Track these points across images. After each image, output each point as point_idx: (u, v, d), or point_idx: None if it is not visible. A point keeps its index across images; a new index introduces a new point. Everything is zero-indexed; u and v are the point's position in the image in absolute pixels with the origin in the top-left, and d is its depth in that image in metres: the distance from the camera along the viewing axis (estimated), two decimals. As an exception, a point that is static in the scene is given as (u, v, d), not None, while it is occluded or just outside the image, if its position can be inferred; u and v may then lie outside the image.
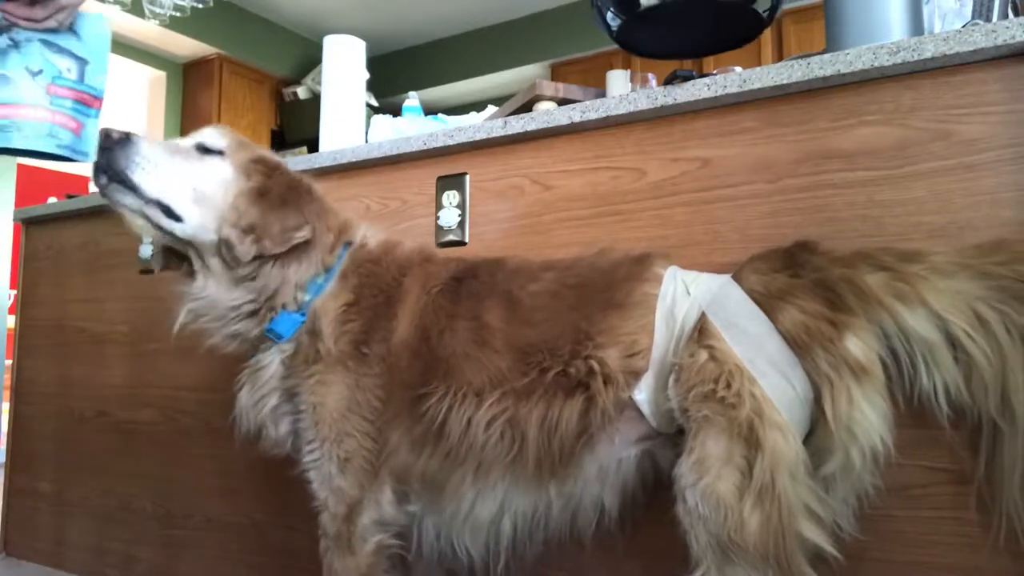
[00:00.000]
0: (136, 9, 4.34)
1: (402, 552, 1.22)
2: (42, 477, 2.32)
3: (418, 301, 1.20)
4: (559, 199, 1.49)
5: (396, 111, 2.24)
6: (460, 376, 1.12)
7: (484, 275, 1.21)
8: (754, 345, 1.01)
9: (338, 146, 1.87)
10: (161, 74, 5.42)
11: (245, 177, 1.21)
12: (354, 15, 5.69)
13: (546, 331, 1.11)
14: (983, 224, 1.09)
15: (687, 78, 1.41)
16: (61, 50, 1.14)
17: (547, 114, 1.49)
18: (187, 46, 5.28)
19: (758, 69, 1.27)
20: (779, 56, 4.53)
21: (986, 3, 1.41)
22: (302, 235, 1.19)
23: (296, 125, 5.70)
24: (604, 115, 1.41)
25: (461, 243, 1.58)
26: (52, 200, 2.61)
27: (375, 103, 5.28)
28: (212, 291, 1.21)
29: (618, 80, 2.17)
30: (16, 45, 1.11)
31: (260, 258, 1.18)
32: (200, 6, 4.28)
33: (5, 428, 2.65)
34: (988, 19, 1.40)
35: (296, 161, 1.79)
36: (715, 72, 1.50)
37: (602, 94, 1.69)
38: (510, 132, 1.52)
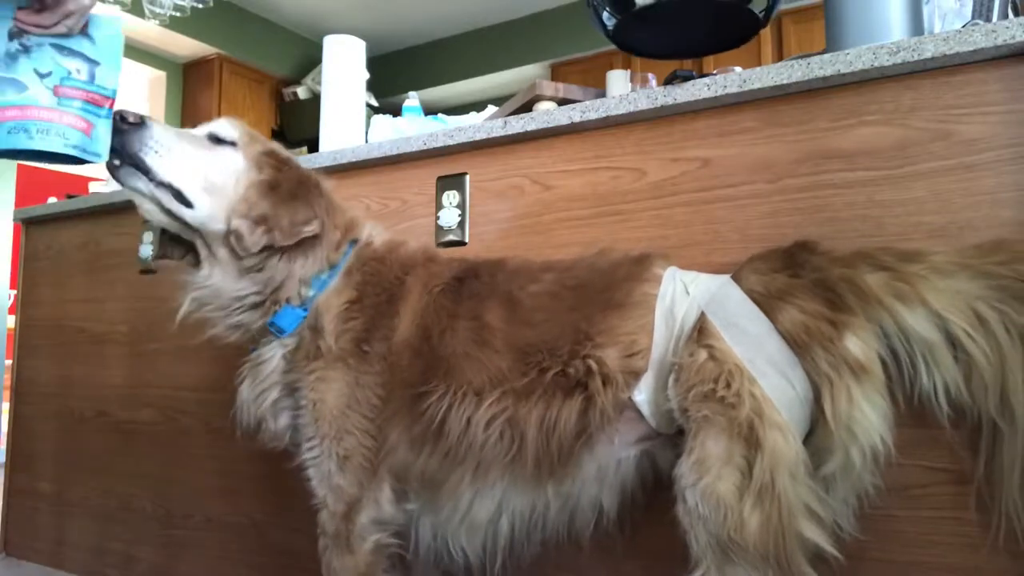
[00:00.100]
0: (136, 9, 4.34)
1: (401, 551, 1.22)
2: (42, 477, 2.32)
3: (420, 300, 1.20)
4: (559, 199, 1.49)
5: (396, 111, 2.24)
6: (460, 375, 1.12)
7: (485, 275, 1.21)
8: (754, 345, 1.01)
9: (338, 146, 1.87)
10: (161, 74, 5.43)
11: (257, 169, 1.21)
12: (354, 15, 5.69)
13: (546, 331, 1.11)
14: (983, 224, 1.09)
15: (687, 78, 1.41)
16: (72, 53, 1.14)
17: (547, 114, 1.49)
18: (187, 46, 5.28)
19: (758, 69, 1.27)
20: (779, 56, 4.53)
21: (986, 3, 1.41)
22: (311, 229, 1.20)
23: (296, 125, 5.71)
24: (604, 115, 1.41)
25: (461, 243, 1.59)
26: (52, 200, 2.61)
27: (375, 103, 5.28)
28: (217, 280, 1.21)
29: (618, 80, 2.17)
30: (26, 50, 1.12)
31: (268, 249, 1.18)
32: (200, 6, 4.28)
33: (5, 428, 2.65)
34: (988, 19, 1.40)
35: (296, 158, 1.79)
36: (715, 72, 1.50)
37: (602, 94, 1.69)
38: (510, 132, 1.52)
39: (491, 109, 2.04)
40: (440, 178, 1.64)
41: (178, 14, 4.25)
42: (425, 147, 1.63)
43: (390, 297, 1.21)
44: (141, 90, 5.47)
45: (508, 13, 5.71)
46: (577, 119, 1.44)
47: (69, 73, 1.13)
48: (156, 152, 1.15)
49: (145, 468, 2.07)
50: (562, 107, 1.49)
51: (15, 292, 2.83)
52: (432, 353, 1.15)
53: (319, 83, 4.66)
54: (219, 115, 5.43)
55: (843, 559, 0.99)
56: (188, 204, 1.17)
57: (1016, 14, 1.45)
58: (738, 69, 1.39)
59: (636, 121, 1.40)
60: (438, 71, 6.13)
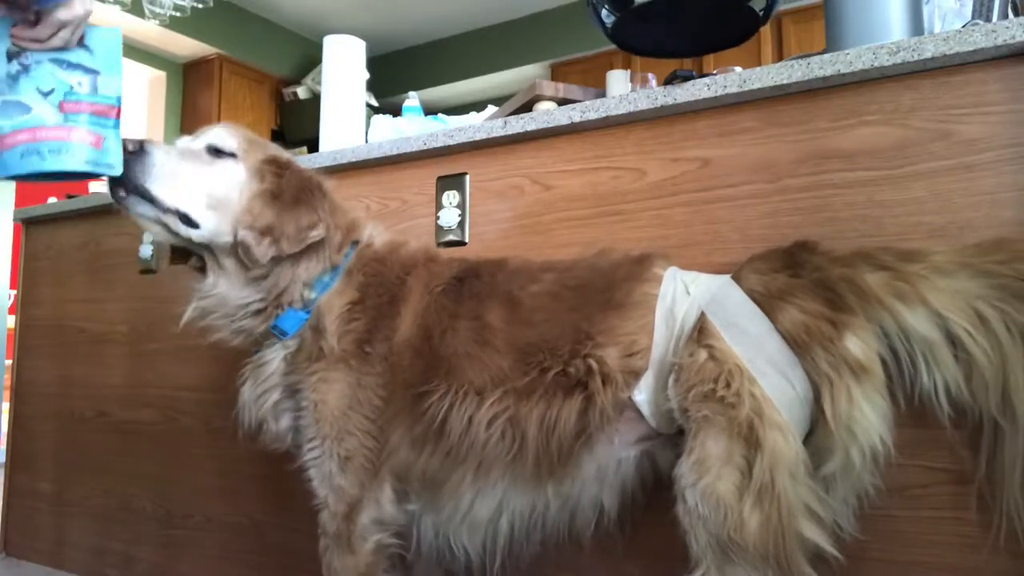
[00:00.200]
0: (136, 9, 4.35)
1: (401, 551, 1.23)
2: (42, 477, 2.32)
3: (421, 300, 1.20)
4: (559, 199, 1.49)
5: (396, 111, 2.24)
6: (461, 375, 1.12)
7: (486, 275, 1.21)
8: (754, 345, 1.01)
9: (338, 146, 1.87)
10: (161, 74, 5.43)
11: (258, 179, 1.22)
12: (354, 15, 5.69)
13: (546, 331, 1.12)
14: (983, 224, 1.09)
15: (687, 78, 1.41)
16: (72, 66, 1.13)
17: (547, 114, 1.49)
18: (187, 46, 5.28)
19: (758, 69, 1.27)
20: (779, 56, 4.52)
21: (986, 3, 1.41)
22: (316, 234, 1.20)
23: (296, 125, 5.71)
24: (604, 115, 1.41)
25: (461, 243, 1.58)
26: (52, 200, 2.61)
27: (375, 103, 5.29)
28: (223, 289, 1.21)
29: (618, 80, 2.17)
30: (26, 69, 1.10)
31: (277, 259, 1.18)
32: (200, 6, 4.28)
33: (5, 428, 2.65)
34: (988, 19, 1.40)
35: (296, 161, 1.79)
36: (715, 72, 1.50)
37: (602, 94, 1.69)
38: (510, 132, 1.52)
39: (491, 109, 2.04)
40: (440, 178, 1.64)
41: (178, 14, 4.25)
42: (425, 147, 1.63)
43: (391, 298, 1.21)
44: (141, 90, 5.47)
45: (508, 13, 5.71)
46: (577, 119, 1.44)
47: (71, 87, 1.12)
48: (160, 180, 1.15)
49: (145, 468, 2.07)
50: (562, 107, 1.49)
51: (15, 292, 2.83)
52: (433, 353, 1.15)
53: (319, 83, 4.66)
54: (219, 115, 5.46)
55: (843, 559, 0.99)
56: (195, 225, 1.17)
57: (1016, 14, 1.45)
58: (738, 69, 1.39)
59: (636, 121, 1.40)
60: (438, 71, 6.13)
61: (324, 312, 1.21)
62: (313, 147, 3.92)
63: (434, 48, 6.22)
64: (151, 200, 1.15)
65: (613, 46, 1.65)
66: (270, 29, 5.83)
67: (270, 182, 1.22)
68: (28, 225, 2.49)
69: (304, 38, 6.03)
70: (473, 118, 1.97)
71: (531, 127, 1.50)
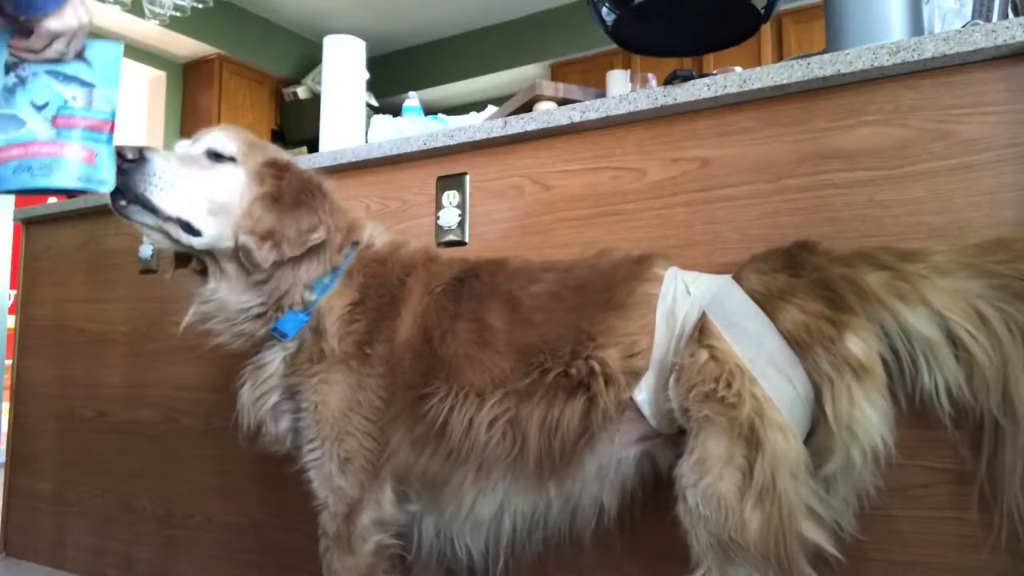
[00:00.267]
0: (136, 9, 4.34)
1: (401, 552, 1.22)
2: (42, 477, 2.32)
3: (421, 301, 1.20)
4: (559, 199, 1.49)
5: (396, 111, 2.24)
6: (462, 376, 1.12)
7: (485, 276, 1.21)
8: (755, 345, 1.01)
9: (338, 146, 1.87)
10: (161, 74, 5.42)
11: (258, 182, 1.21)
12: (354, 15, 5.69)
13: (547, 332, 1.11)
14: (983, 224, 1.09)
15: (687, 78, 1.41)
16: (68, 79, 1.12)
17: (547, 114, 1.49)
18: (187, 46, 5.28)
19: (758, 69, 1.27)
20: (779, 56, 4.53)
21: (986, 3, 1.41)
22: (317, 236, 1.20)
23: (296, 125, 5.71)
24: (604, 115, 1.41)
25: (461, 243, 1.58)
26: (52, 200, 2.61)
27: (375, 103, 5.29)
28: (224, 294, 1.21)
29: (618, 80, 2.17)
30: (22, 82, 1.10)
31: (278, 263, 1.18)
32: (200, 6, 4.28)
33: (5, 428, 2.65)
34: (988, 19, 1.40)
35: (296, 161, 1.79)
36: (715, 72, 1.50)
37: (602, 94, 1.69)
38: (510, 132, 1.52)
39: (491, 109, 2.04)
40: (440, 178, 1.64)
41: (178, 14, 4.25)
42: (425, 147, 1.63)
43: (391, 299, 1.21)
44: (141, 90, 5.47)
45: (508, 13, 5.71)
46: (577, 119, 1.44)
47: (66, 101, 1.11)
48: (161, 188, 1.15)
49: (145, 468, 2.07)
50: (562, 107, 1.49)
51: (15, 292, 2.83)
52: (434, 354, 1.15)
53: (319, 83, 4.66)
54: (219, 115, 5.46)
55: (843, 559, 0.99)
56: (196, 233, 1.17)
57: (1016, 14, 1.45)
58: (738, 69, 1.39)
59: (636, 121, 1.40)
60: (438, 71, 6.13)
61: (324, 313, 1.20)
62: (313, 147, 3.93)
63: (434, 48, 6.22)
64: (152, 209, 1.15)
65: (613, 46, 1.65)
66: (270, 29, 5.83)
67: (270, 185, 1.21)
68: (28, 225, 2.49)
69: (304, 38, 6.03)
70: (473, 118, 1.97)
71: (531, 127, 1.50)
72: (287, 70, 5.91)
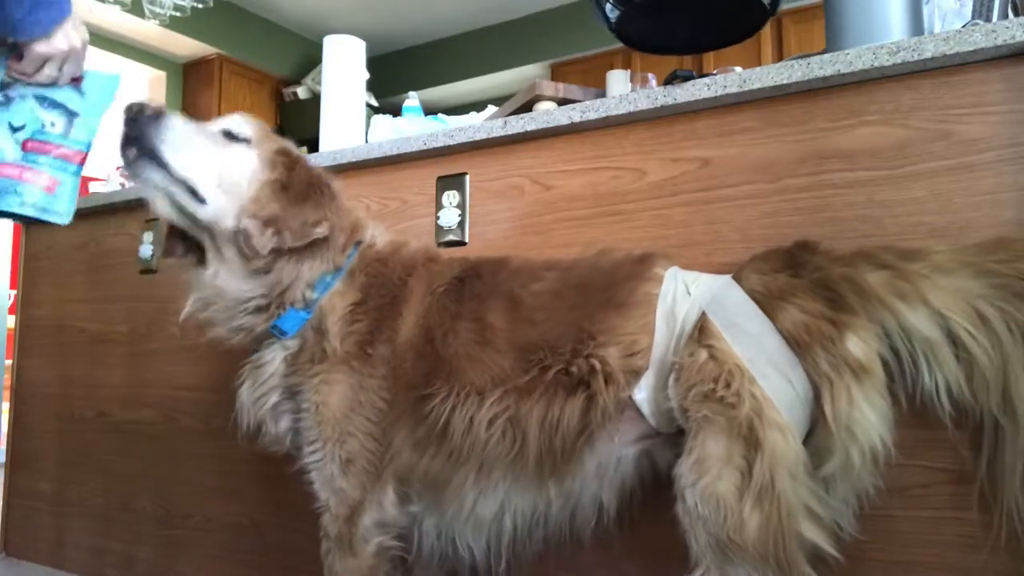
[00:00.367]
0: (136, 9, 4.34)
1: (403, 554, 1.22)
2: (42, 477, 2.32)
3: (423, 301, 1.20)
4: (559, 199, 1.49)
5: (396, 111, 2.24)
6: (463, 376, 1.12)
7: (486, 275, 1.21)
8: (754, 345, 1.01)
9: (338, 146, 1.87)
10: (161, 74, 5.42)
11: (269, 168, 1.21)
12: (354, 15, 5.69)
13: (548, 330, 1.11)
14: (983, 224, 1.09)
15: (687, 78, 1.41)
16: (54, 104, 1.11)
17: (547, 114, 1.49)
18: (187, 46, 5.28)
19: (758, 69, 1.27)
20: (779, 56, 4.53)
21: (986, 3, 1.41)
22: (320, 231, 1.19)
23: (296, 125, 5.70)
24: (604, 115, 1.41)
25: (461, 243, 1.58)
26: (52, 200, 2.61)
27: (375, 103, 5.29)
28: (223, 281, 1.20)
29: (618, 80, 2.17)
30: (8, 102, 1.08)
31: (277, 251, 1.17)
32: (200, 6, 4.28)
33: (5, 428, 2.65)
34: (988, 19, 1.40)
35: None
36: (715, 72, 1.50)
37: (602, 94, 1.69)
38: (510, 132, 1.52)
39: (491, 109, 2.04)
40: (440, 178, 1.64)
41: (178, 14, 4.25)
42: (425, 147, 1.63)
43: (393, 299, 1.21)
44: (141, 90, 5.47)
45: (508, 13, 5.71)
46: (577, 119, 1.44)
47: (43, 126, 1.10)
48: (173, 146, 1.14)
49: (145, 468, 2.07)
50: (562, 107, 1.49)
51: (15, 292, 2.83)
52: (435, 354, 1.15)
53: (319, 83, 4.66)
54: (219, 115, 5.46)
55: (843, 559, 0.99)
56: (201, 200, 1.16)
57: (1016, 14, 1.45)
58: (738, 69, 1.39)
59: (636, 121, 1.40)
60: (438, 71, 6.13)
61: (327, 313, 1.20)
62: (313, 147, 3.93)
63: (434, 48, 6.22)
64: (162, 165, 1.13)
65: (613, 46, 1.65)
66: (270, 29, 5.83)
67: (280, 173, 1.21)
68: (28, 225, 2.49)
69: (304, 38, 6.03)
70: (473, 118, 1.97)
71: (531, 127, 1.50)
72: (287, 70, 5.91)
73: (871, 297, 1.00)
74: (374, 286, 1.22)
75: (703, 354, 1.02)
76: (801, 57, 1.28)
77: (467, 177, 1.60)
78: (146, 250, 2.10)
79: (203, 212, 1.16)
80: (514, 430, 1.09)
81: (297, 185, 1.21)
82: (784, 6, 1.47)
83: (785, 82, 1.23)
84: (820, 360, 0.98)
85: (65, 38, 1.06)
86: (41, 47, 1.05)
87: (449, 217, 1.61)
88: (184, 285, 1.28)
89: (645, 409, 1.08)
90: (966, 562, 1.07)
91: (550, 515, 1.16)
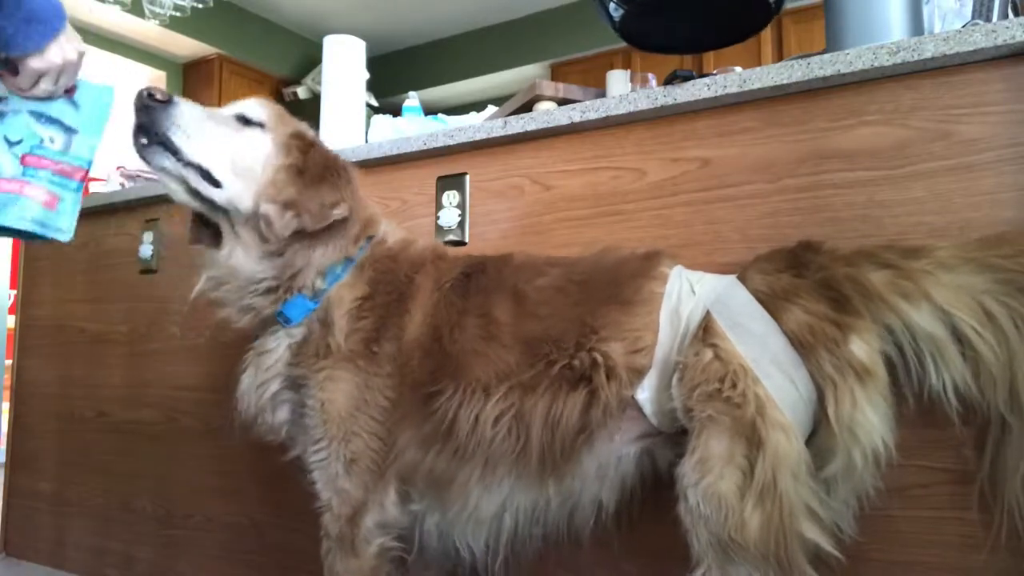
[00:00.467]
0: (136, 9, 4.34)
1: (403, 554, 1.22)
2: (42, 477, 2.32)
3: (430, 298, 1.20)
4: (559, 199, 1.49)
5: (396, 111, 2.24)
6: (469, 372, 1.12)
7: (492, 270, 1.21)
8: (758, 345, 1.01)
9: (338, 146, 1.87)
10: (161, 74, 5.42)
11: (284, 152, 1.20)
12: (354, 15, 5.69)
13: (552, 325, 1.11)
14: (983, 224, 1.09)
15: (687, 78, 1.41)
16: (51, 120, 1.10)
17: (547, 114, 1.49)
18: (187, 46, 5.28)
19: (758, 69, 1.27)
20: (779, 56, 4.53)
21: (986, 3, 1.41)
22: (340, 212, 1.19)
23: (296, 125, 5.70)
24: (604, 115, 1.41)
25: (461, 243, 1.58)
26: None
27: (375, 103, 5.28)
28: (237, 260, 1.19)
29: (618, 80, 2.17)
30: (1, 116, 1.08)
31: (298, 234, 1.17)
32: (200, 6, 4.28)
33: (5, 428, 2.65)
34: (988, 19, 1.40)
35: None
36: (715, 72, 1.50)
37: (602, 94, 1.69)
38: (510, 132, 1.52)
39: (491, 109, 2.04)
40: (440, 178, 1.64)
41: (178, 14, 4.25)
42: (425, 147, 1.63)
43: (400, 295, 1.21)
44: (141, 90, 5.46)
45: (508, 13, 5.71)
46: (577, 119, 1.44)
47: (41, 141, 1.09)
48: (185, 132, 1.13)
49: (145, 468, 2.07)
50: (562, 107, 1.49)
51: (15, 292, 2.83)
52: (442, 352, 1.15)
53: (319, 83, 4.66)
54: (219, 115, 5.45)
55: (843, 559, 0.99)
56: (216, 184, 1.15)
57: (1016, 14, 1.45)
58: (738, 69, 1.39)
59: (636, 121, 1.40)
60: (438, 71, 6.13)
61: (333, 303, 1.20)
62: (313, 147, 3.90)
63: (434, 48, 6.22)
64: (173, 151, 1.13)
65: (613, 46, 1.65)
66: (270, 29, 5.83)
67: (295, 157, 1.20)
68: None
69: (304, 38, 6.03)
70: (473, 118, 1.97)
71: (531, 127, 1.50)
72: (287, 70, 5.91)
73: (874, 297, 0.99)
74: (382, 282, 1.22)
75: (708, 353, 1.02)
76: (801, 57, 1.28)
77: (467, 177, 1.60)
78: (146, 250, 2.10)
79: (219, 196, 1.16)
80: (518, 426, 1.09)
81: (313, 168, 1.20)
82: (785, 6, 1.47)
83: (785, 82, 1.23)
84: (824, 362, 0.98)
85: (59, 51, 1.05)
86: (35, 62, 1.04)
87: (449, 217, 1.61)
88: (185, 285, 1.27)
89: (647, 409, 1.08)
90: (966, 562, 1.07)
91: (550, 513, 1.16)
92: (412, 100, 2.23)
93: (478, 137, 1.56)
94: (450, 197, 1.61)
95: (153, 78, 5.42)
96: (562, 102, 1.60)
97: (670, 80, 1.48)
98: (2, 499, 2.44)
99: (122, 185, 2.51)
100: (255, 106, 1.23)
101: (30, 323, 2.44)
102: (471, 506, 1.15)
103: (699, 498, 0.97)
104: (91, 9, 4.49)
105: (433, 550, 1.22)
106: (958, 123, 1.13)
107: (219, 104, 5.35)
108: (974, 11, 1.43)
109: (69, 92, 1.13)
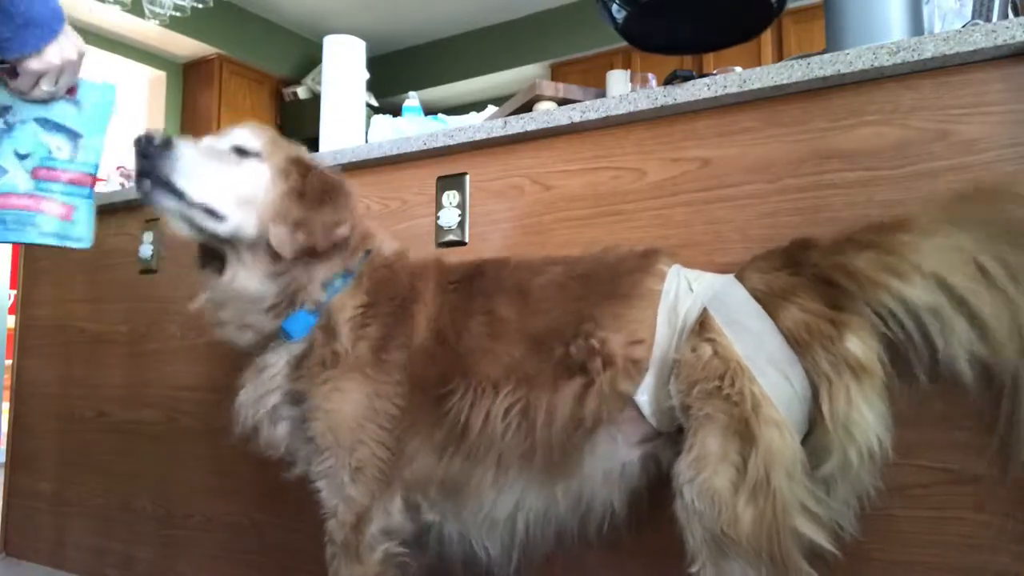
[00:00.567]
0: (136, 9, 4.34)
1: (407, 560, 1.22)
2: (42, 477, 2.32)
3: (434, 302, 1.21)
4: (559, 199, 1.49)
5: (396, 111, 2.24)
6: (479, 370, 1.12)
7: (491, 272, 1.23)
8: (755, 343, 1.01)
9: (338, 146, 1.87)
10: (161, 74, 5.43)
11: (283, 178, 1.22)
12: (354, 15, 5.69)
13: (554, 319, 1.13)
14: (983, 224, 1.09)
15: (687, 78, 1.41)
16: (57, 127, 1.11)
17: (547, 114, 1.49)
18: (187, 46, 5.28)
19: (758, 69, 1.27)
20: (779, 56, 4.53)
21: (986, 3, 1.41)
22: (343, 231, 1.21)
23: (296, 125, 5.70)
24: (604, 115, 1.41)
25: (461, 243, 1.59)
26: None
27: (375, 103, 5.29)
28: (240, 283, 1.20)
29: (618, 80, 2.17)
30: (10, 128, 1.08)
31: (308, 252, 1.18)
32: (200, 6, 4.28)
33: (5, 428, 2.65)
34: (988, 19, 1.40)
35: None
36: (715, 72, 1.50)
37: (602, 94, 1.69)
38: (510, 132, 1.52)
39: (491, 109, 2.04)
40: (440, 178, 1.64)
41: (178, 14, 4.25)
42: (425, 147, 1.63)
43: (403, 302, 1.21)
44: (141, 90, 5.47)
45: (508, 13, 5.71)
46: (577, 119, 1.44)
47: (50, 152, 1.10)
48: (186, 174, 1.15)
49: (145, 468, 2.07)
50: (562, 107, 1.49)
51: (15, 292, 2.83)
52: (450, 354, 1.15)
53: (319, 83, 4.66)
54: (219, 115, 5.46)
55: (843, 559, 0.99)
56: (221, 218, 1.17)
57: (1016, 14, 1.46)
58: (738, 69, 1.39)
59: (636, 121, 1.40)
60: (438, 71, 6.13)
61: (336, 311, 1.20)
62: (313, 147, 3.92)
63: (434, 48, 6.22)
64: (178, 194, 1.14)
65: (613, 46, 1.65)
66: (270, 29, 5.83)
67: (295, 180, 1.22)
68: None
69: (304, 38, 6.03)
70: (473, 118, 1.97)
71: (531, 127, 1.50)
72: (287, 70, 5.91)
73: (863, 281, 0.98)
74: (382, 290, 1.23)
75: (707, 350, 1.01)
76: (801, 57, 1.28)
77: (467, 177, 1.60)
78: (146, 250, 2.10)
79: (223, 228, 1.18)
80: (525, 421, 1.09)
81: (313, 191, 1.22)
82: (787, 6, 1.47)
83: (785, 82, 1.23)
84: (820, 359, 0.97)
85: (58, 52, 1.05)
86: (34, 63, 1.04)
87: (449, 217, 1.61)
88: (185, 284, 1.27)
89: (646, 409, 1.08)
90: (966, 562, 1.07)
91: (560, 516, 1.16)
92: (412, 100, 2.23)
93: (478, 137, 1.56)
94: (450, 197, 1.61)
95: (153, 78, 5.43)
96: (562, 102, 1.60)
97: (670, 80, 1.48)
98: (2, 499, 2.44)
99: (122, 185, 2.51)
100: (249, 136, 1.24)
101: (30, 323, 2.44)
102: (486, 507, 1.15)
103: (694, 494, 0.97)
104: (91, 9, 4.50)
105: (455, 557, 1.22)
106: (958, 123, 1.13)
107: (219, 104, 5.39)
108: (974, 11, 1.43)
109: (70, 92, 1.13)
